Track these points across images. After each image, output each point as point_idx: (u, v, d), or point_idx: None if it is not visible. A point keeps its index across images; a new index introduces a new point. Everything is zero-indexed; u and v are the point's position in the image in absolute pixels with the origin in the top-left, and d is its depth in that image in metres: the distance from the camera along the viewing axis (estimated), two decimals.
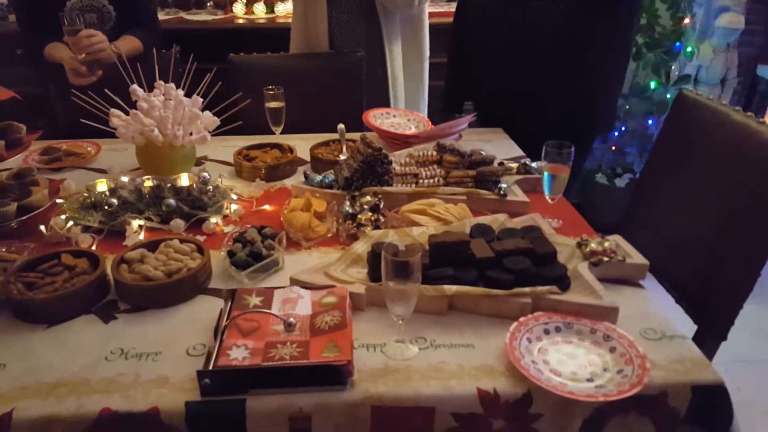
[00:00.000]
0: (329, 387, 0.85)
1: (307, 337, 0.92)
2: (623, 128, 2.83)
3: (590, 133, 1.97)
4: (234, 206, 1.36)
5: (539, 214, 1.28)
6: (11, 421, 0.81)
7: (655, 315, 1.02)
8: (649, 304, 1.05)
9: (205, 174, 1.37)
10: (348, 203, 1.29)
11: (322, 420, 0.84)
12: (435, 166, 1.46)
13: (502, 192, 1.37)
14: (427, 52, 2.20)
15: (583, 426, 0.86)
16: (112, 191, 1.32)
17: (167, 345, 0.95)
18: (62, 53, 1.81)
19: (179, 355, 0.93)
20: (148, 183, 1.34)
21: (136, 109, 1.43)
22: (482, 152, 1.49)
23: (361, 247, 1.16)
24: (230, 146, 1.68)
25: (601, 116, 1.93)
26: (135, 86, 1.45)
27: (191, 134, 1.48)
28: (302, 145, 1.68)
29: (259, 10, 3.07)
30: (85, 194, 1.32)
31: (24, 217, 1.26)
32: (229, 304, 0.99)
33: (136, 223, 1.26)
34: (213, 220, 1.30)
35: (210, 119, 1.50)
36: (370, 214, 1.26)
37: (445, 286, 0.99)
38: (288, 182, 1.53)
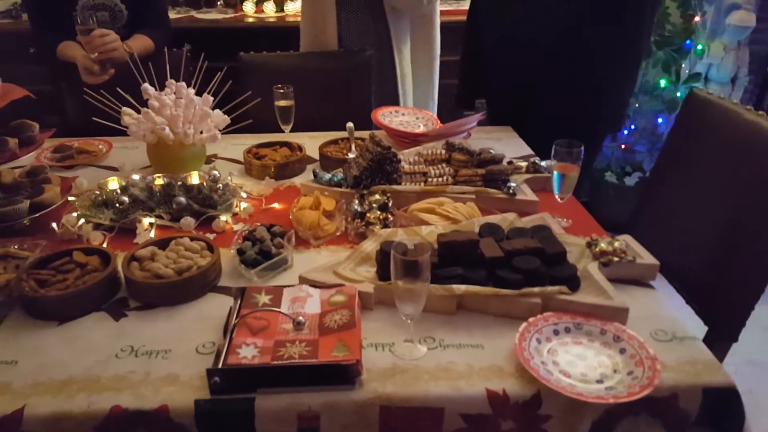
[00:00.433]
0: (338, 386, 0.85)
1: (316, 336, 0.92)
2: (633, 126, 2.81)
3: (599, 132, 1.96)
4: (243, 204, 1.36)
5: (549, 213, 1.28)
6: (23, 418, 0.82)
7: (665, 316, 1.01)
8: (660, 304, 1.05)
9: (215, 172, 1.37)
10: (357, 202, 1.29)
11: (331, 419, 0.84)
12: (444, 165, 1.46)
13: (511, 191, 1.36)
14: (438, 51, 2.19)
15: (593, 428, 0.85)
16: (124, 189, 1.33)
17: (177, 343, 0.95)
18: (75, 52, 1.82)
19: (189, 353, 0.93)
20: (159, 181, 1.35)
21: (147, 107, 1.44)
22: (491, 151, 1.48)
23: (370, 245, 1.16)
24: (240, 144, 1.69)
25: (610, 116, 1.92)
26: (146, 85, 1.45)
27: (202, 133, 1.48)
28: (311, 143, 1.68)
29: (269, 8, 3.07)
30: (97, 192, 1.33)
31: (36, 215, 1.27)
32: (239, 302, 1.00)
33: (146, 220, 1.26)
34: (223, 218, 1.30)
35: (220, 118, 1.51)
36: (378, 212, 1.26)
37: (454, 286, 0.99)
38: (297, 180, 1.54)
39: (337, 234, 1.27)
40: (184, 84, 1.48)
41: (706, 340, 1.08)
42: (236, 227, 1.30)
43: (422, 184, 1.41)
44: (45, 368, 0.90)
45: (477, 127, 1.78)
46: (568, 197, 1.31)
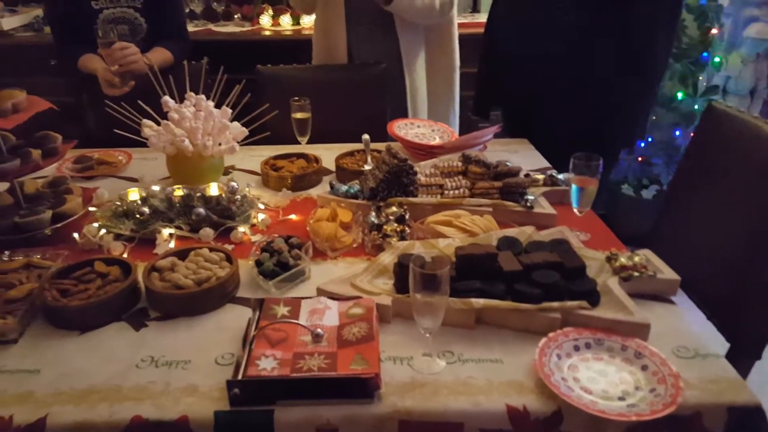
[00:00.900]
0: (357, 400, 0.85)
1: (334, 349, 0.92)
2: (650, 139, 2.79)
3: (614, 145, 1.96)
4: (261, 215, 1.37)
5: (567, 226, 1.27)
6: (45, 426, 0.82)
7: (687, 332, 1.00)
8: (681, 320, 1.03)
9: (234, 183, 1.39)
10: (374, 214, 1.29)
11: None
12: (460, 177, 1.46)
13: (528, 204, 1.36)
14: (457, 63, 2.18)
15: None
16: (144, 200, 1.35)
17: (196, 353, 0.96)
18: (96, 64, 1.86)
19: (208, 364, 0.94)
20: (179, 192, 1.36)
21: (165, 118, 1.46)
22: (508, 163, 1.48)
23: (387, 258, 1.16)
24: (256, 156, 1.71)
25: (625, 129, 1.91)
26: (167, 98, 1.48)
27: (220, 144, 1.50)
28: (327, 155, 1.69)
29: (285, 21, 3.11)
30: (118, 203, 1.35)
31: (58, 225, 1.29)
32: (257, 313, 1.00)
33: (166, 231, 1.28)
34: (241, 229, 1.31)
35: (238, 130, 1.53)
36: (395, 224, 1.26)
37: (473, 300, 0.99)
38: (313, 192, 1.55)
39: (354, 246, 1.27)
40: (203, 96, 1.50)
41: (729, 357, 1.06)
42: (254, 238, 1.31)
43: (438, 196, 1.41)
44: (67, 377, 0.91)
45: (493, 140, 1.78)
46: (587, 211, 1.31)
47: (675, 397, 0.82)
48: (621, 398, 0.85)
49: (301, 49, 2.47)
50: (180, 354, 0.96)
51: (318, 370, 0.87)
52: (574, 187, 1.27)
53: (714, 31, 2.62)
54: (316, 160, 1.65)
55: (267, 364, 0.88)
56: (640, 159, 2.86)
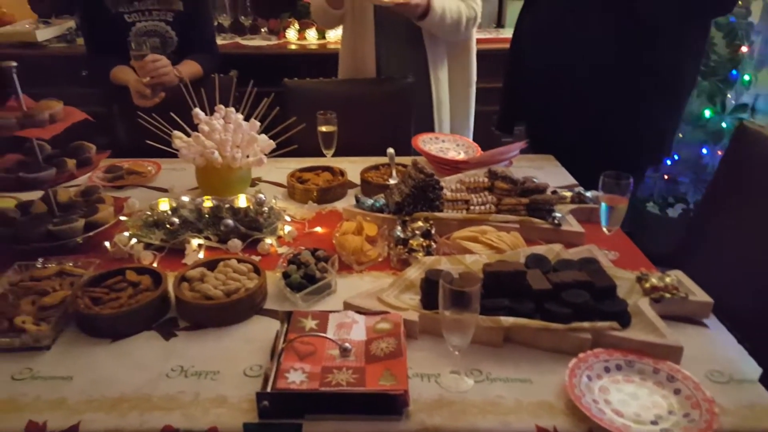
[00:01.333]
0: (385, 416, 0.85)
1: (362, 364, 0.92)
2: (676, 157, 2.75)
3: (639, 162, 1.93)
4: (287, 228, 1.38)
5: (595, 245, 1.26)
6: None
7: (721, 356, 0.98)
8: (714, 344, 1.01)
9: (261, 195, 1.40)
10: (399, 228, 1.30)
11: None
12: (486, 193, 1.46)
13: (556, 221, 1.35)
14: (474, 78, 2.21)
15: None
16: (174, 210, 1.37)
17: (225, 364, 0.97)
18: (128, 76, 1.90)
19: (237, 375, 0.94)
20: (208, 203, 1.38)
21: (195, 130, 1.49)
22: (534, 180, 1.47)
23: (414, 273, 1.16)
24: (282, 168, 1.72)
25: (651, 147, 1.90)
26: (198, 110, 1.50)
27: (248, 156, 1.52)
28: (352, 168, 1.70)
29: (311, 36, 3.15)
30: (148, 212, 1.37)
31: (90, 233, 1.32)
32: (286, 326, 1.01)
33: (195, 241, 1.29)
34: (268, 240, 1.32)
35: (266, 142, 1.54)
36: (421, 239, 1.26)
37: (502, 318, 0.98)
38: (339, 205, 1.55)
39: (379, 260, 1.27)
40: (233, 109, 1.52)
41: (762, 382, 1.04)
42: (280, 250, 1.32)
43: (464, 211, 1.41)
44: (98, 385, 0.92)
45: (519, 155, 1.77)
46: (616, 229, 1.29)
47: (711, 423, 0.80)
48: (654, 422, 0.84)
49: (326, 63, 2.51)
50: (209, 364, 0.97)
51: (347, 385, 0.87)
52: (603, 205, 1.26)
53: (744, 48, 2.58)
54: (342, 173, 1.66)
55: (296, 377, 0.88)
56: (666, 177, 2.82)
